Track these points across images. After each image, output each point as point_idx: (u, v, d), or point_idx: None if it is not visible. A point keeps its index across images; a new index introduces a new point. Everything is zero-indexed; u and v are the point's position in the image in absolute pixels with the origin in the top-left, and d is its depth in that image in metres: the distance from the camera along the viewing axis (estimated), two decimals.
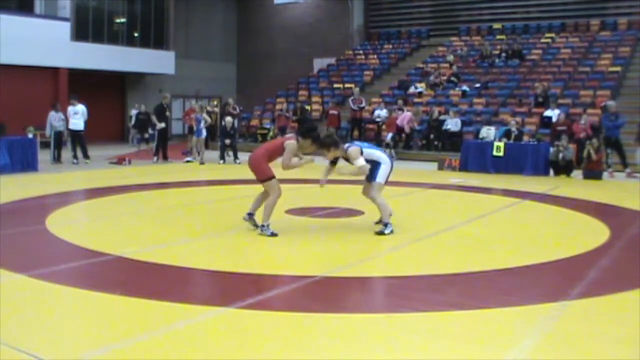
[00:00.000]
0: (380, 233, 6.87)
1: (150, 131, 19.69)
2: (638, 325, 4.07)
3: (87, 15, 23.29)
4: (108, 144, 22.14)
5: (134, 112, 23.10)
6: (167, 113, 17.13)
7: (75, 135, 15.84)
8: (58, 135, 15.80)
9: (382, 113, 19.38)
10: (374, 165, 6.94)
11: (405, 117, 18.68)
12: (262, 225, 6.66)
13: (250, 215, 6.94)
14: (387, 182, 7.08)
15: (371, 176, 6.97)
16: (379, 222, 7.13)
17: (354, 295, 4.97)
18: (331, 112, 19.99)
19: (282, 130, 19.14)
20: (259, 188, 7.01)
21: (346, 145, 6.92)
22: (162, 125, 16.62)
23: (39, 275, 5.00)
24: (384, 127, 19.08)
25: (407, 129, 18.61)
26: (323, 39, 27.92)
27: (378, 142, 18.72)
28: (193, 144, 16.75)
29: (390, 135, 18.19)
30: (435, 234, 7.14)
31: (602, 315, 4.35)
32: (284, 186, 6.69)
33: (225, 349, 3.60)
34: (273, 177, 6.62)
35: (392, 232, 6.89)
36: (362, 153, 6.81)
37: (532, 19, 24.86)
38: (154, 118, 16.82)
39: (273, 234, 6.60)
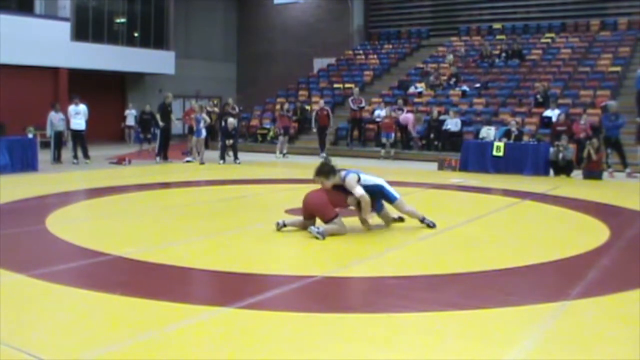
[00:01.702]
0: (431, 224, 7.27)
1: (151, 131, 19.71)
2: (638, 325, 4.07)
3: (87, 15, 23.30)
4: (108, 144, 22.13)
5: (127, 112, 23.16)
6: (172, 115, 17.13)
7: (76, 135, 15.84)
8: (58, 135, 15.80)
9: (381, 113, 19.37)
10: (380, 189, 7.09)
11: (408, 119, 18.71)
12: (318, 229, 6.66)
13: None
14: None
15: (385, 199, 7.18)
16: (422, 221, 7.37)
17: (354, 295, 4.96)
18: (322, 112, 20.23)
19: (286, 131, 19.11)
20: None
21: (343, 173, 6.92)
22: (162, 123, 16.62)
23: (39, 275, 5.00)
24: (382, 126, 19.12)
25: (413, 132, 18.71)
26: (323, 39, 27.92)
27: (378, 143, 18.80)
28: (193, 144, 16.76)
29: (391, 135, 18.19)
30: (435, 234, 7.14)
31: (602, 315, 4.34)
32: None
33: (225, 349, 3.59)
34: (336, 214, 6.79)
35: (432, 223, 7.29)
36: (359, 180, 6.88)
37: (532, 19, 24.86)
38: (158, 117, 16.82)
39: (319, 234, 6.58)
